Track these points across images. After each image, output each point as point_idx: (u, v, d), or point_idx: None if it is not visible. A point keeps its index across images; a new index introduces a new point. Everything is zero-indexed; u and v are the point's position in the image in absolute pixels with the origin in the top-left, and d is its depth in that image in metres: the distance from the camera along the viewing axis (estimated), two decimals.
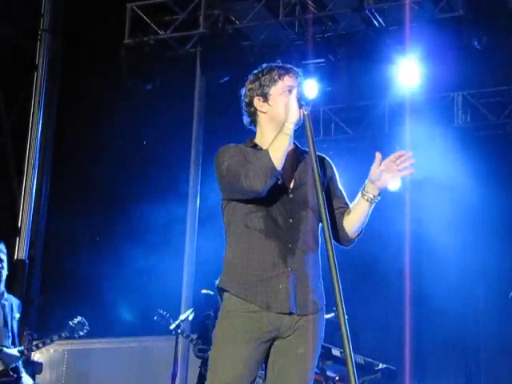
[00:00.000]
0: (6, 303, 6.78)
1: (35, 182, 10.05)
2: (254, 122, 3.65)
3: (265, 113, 3.58)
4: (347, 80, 9.57)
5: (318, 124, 10.98)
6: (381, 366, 7.57)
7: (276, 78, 3.57)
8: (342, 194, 3.66)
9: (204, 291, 8.21)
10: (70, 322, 6.88)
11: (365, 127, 10.81)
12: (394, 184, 3.49)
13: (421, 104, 9.89)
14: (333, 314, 7.11)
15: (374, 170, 3.47)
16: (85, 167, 10.27)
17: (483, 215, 9.88)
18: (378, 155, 3.47)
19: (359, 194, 3.53)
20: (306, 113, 3.36)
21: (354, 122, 10.86)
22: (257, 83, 3.61)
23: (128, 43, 9.69)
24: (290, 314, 3.41)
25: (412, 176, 3.54)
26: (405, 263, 9.38)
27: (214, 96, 10.31)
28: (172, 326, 7.25)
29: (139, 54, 9.58)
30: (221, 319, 3.48)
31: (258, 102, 3.60)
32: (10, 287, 6.90)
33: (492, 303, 9.33)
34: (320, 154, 3.66)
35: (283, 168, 3.43)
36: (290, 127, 3.39)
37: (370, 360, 7.52)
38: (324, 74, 9.44)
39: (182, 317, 7.60)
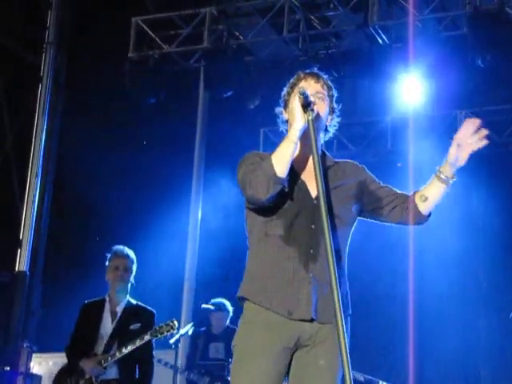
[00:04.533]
0: (126, 313, 6.16)
1: (37, 194, 10.06)
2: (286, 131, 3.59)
3: (287, 121, 3.54)
4: (350, 96, 9.57)
5: None
6: (381, 383, 7.55)
7: (294, 83, 3.55)
8: (388, 187, 3.63)
9: (204, 306, 8.19)
10: (156, 326, 6.03)
11: (367, 144, 10.80)
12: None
13: (424, 121, 9.89)
14: None
15: (453, 150, 3.39)
16: (87, 179, 10.26)
17: (485, 231, 9.86)
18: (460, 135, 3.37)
19: (434, 178, 3.48)
20: (310, 118, 3.25)
21: (356, 138, 10.84)
22: (285, 92, 3.60)
23: (132, 57, 9.71)
24: (311, 320, 3.32)
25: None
26: (408, 281, 9.36)
27: (217, 111, 10.33)
28: (172, 340, 7.21)
29: (143, 68, 9.62)
30: (240, 331, 3.43)
31: (283, 111, 3.59)
32: (10, 299, 6.75)
33: (493, 323, 9.30)
34: (347, 160, 3.65)
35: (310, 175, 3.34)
36: (294, 133, 3.29)
37: (369, 377, 7.49)
38: None
39: (182, 331, 7.55)
